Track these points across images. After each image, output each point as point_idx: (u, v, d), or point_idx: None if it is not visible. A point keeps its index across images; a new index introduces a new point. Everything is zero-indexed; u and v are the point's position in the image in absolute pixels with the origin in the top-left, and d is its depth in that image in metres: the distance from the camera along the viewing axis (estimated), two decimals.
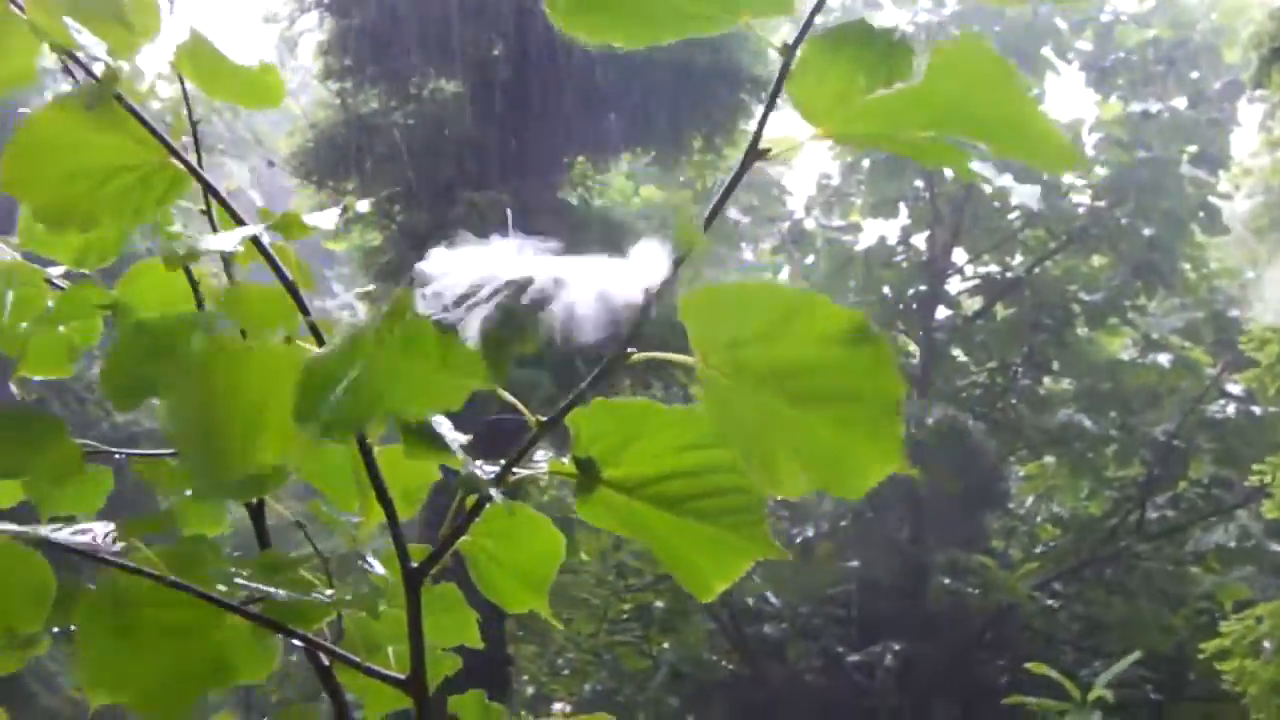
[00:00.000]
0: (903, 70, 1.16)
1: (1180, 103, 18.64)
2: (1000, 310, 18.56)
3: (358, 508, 1.72)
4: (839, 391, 1.18)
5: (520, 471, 1.35)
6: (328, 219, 1.46)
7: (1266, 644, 11.07)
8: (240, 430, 1.44)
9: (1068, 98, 47.82)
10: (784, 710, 16.58)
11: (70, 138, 1.52)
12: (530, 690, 17.54)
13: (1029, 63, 18.18)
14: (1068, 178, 18.21)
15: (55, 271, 1.78)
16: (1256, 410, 16.36)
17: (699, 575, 1.38)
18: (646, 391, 13.11)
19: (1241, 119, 18.75)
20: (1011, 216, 18.12)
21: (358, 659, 1.58)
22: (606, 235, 12.86)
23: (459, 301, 1.06)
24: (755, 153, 1.21)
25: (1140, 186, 17.42)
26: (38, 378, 1.84)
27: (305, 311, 1.47)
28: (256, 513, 1.83)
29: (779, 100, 1.21)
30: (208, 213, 1.61)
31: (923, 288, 18.37)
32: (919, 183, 17.87)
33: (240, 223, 1.53)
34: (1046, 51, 18.55)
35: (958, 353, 18.78)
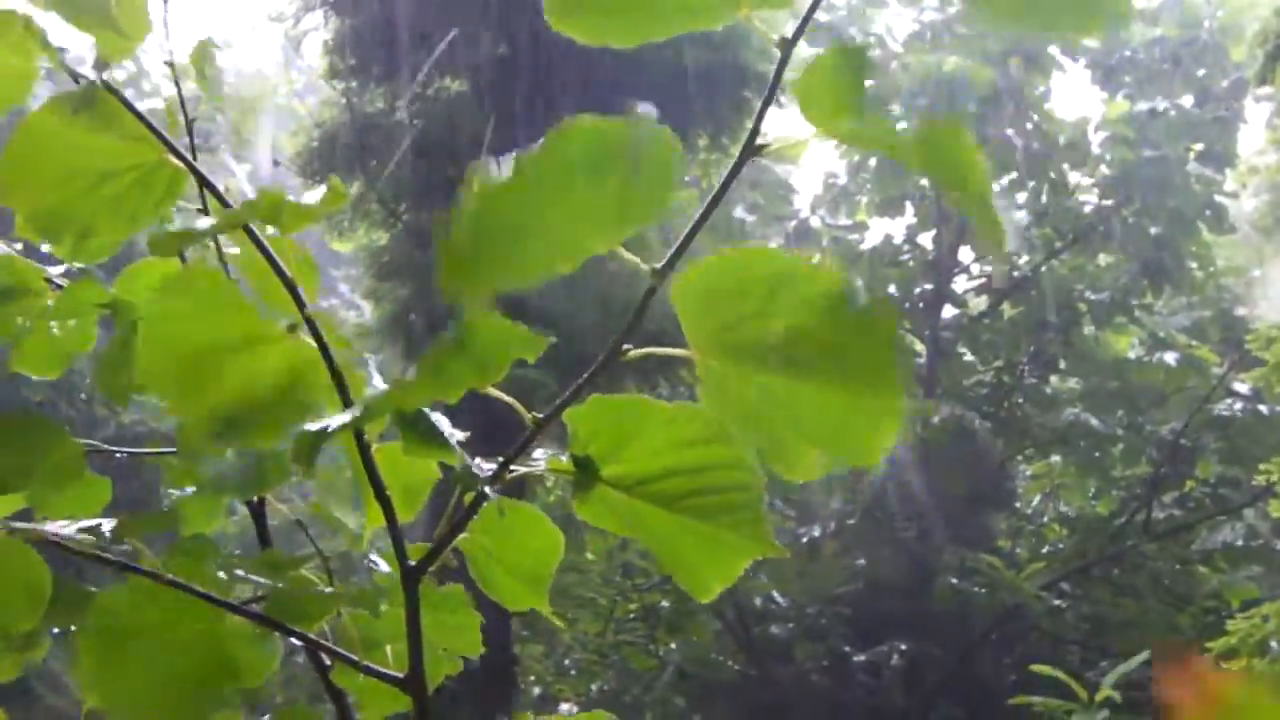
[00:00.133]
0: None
1: (1187, 101, 18.63)
2: (1007, 309, 18.55)
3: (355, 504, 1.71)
4: (835, 353, 1.17)
5: (518, 469, 1.34)
6: (313, 197, 1.44)
7: (1274, 643, 11.04)
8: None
9: (1074, 96, 47.81)
10: (791, 710, 16.57)
11: (64, 141, 1.51)
12: (537, 690, 17.53)
13: (1034, 60, 18.16)
14: (1074, 176, 18.21)
15: (54, 271, 1.78)
16: (1264, 409, 16.34)
17: (698, 575, 1.37)
18: (652, 391, 13.11)
19: (1248, 117, 18.72)
20: (1018, 215, 18.10)
21: (357, 657, 1.58)
22: None
23: None
24: (752, 149, 1.20)
25: (1146, 185, 17.41)
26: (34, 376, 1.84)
27: (300, 304, 1.46)
28: (258, 512, 1.83)
29: (782, 99, 1.20)
30: (205, 210, 1.60)
31: (929, 286, 18.36)
32: (925, 181, 17.84)
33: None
34: (1052, 50, 18.52)
35: (964, 352, 18.77)
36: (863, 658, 16.45)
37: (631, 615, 17.05)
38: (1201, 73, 18.94)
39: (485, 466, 1.35)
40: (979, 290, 18.88)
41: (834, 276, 1.16)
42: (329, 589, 1.66)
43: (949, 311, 18.69)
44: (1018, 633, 16.96)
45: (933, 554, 16.67)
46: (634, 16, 1.24)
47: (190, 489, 1.72)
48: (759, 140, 1.20)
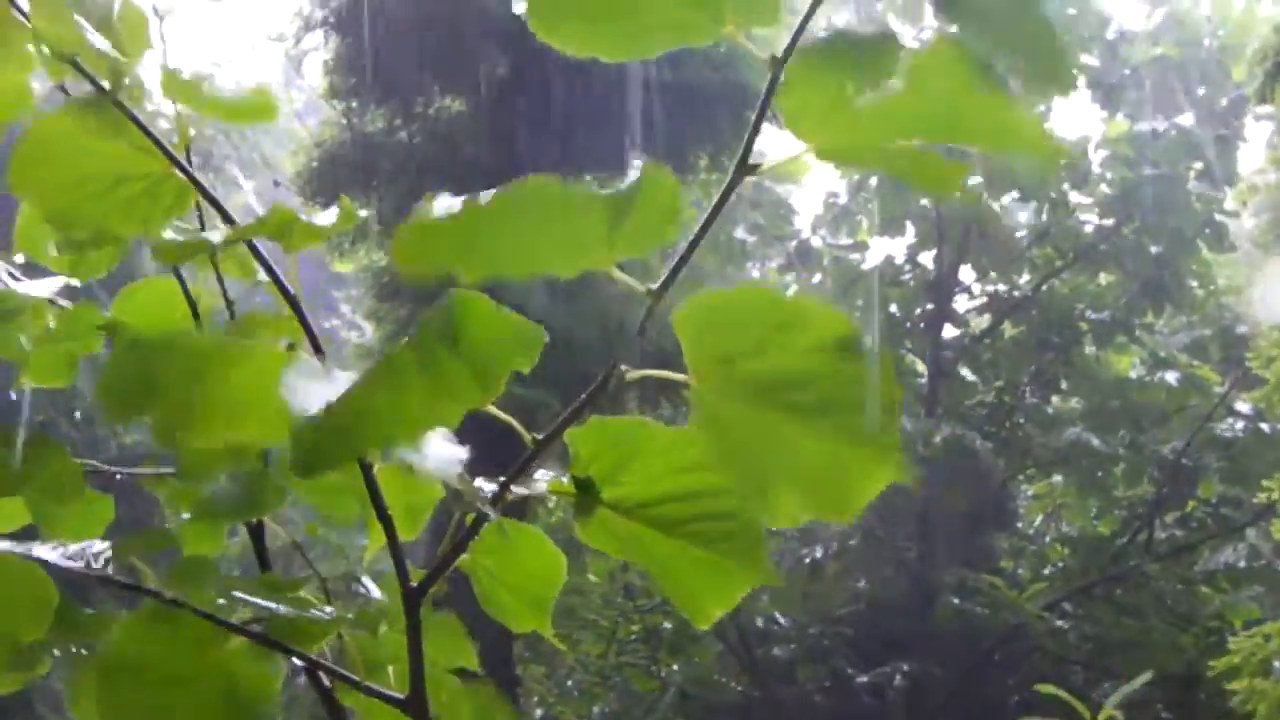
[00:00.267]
0: (890, 72, 1.14)
1: (1187, 119, 18.65)
2: (1008, 329, 18.56)
3: (359, 527, 1.71)
4: (833, 401, 1.17)
5: (519, 490, 1.33)
6: (327, 218, 1.45)
7: (1277, 663, 11.02)
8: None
9: (1074, 115, 47.92)
10: None
11: (78, 143, 1.52)
12: (539, 712, 17.51)
13: None
14: (1075, 196, 18.22)
15: (55, 287, 1.78)
16: (1265, 428, 16.34)
17: (697, 600, 1.36)
18: (655, 412, 13.11)
19: (1248, 135, 18.74)
20: (1019, 234, 18.12)
21: (358, 679, 1.57)
22: None
23: None
24: (744, 169, 1.19)
25: (1147, 204, 17.43)
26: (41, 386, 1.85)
27: (306, 324, 1.46)
28: (257, 534, 1.82)
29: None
30: (201, 226, 1.60)
31: (930, 306, 18.37)
32: (926, 201, 17.87)
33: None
34: None
35: (965, 371, 18.77)
36: (865, 679, 16.42)
37: (634, 636, 17.03)
38: (1201, 91, 18.97)
39: (486, 487, 1.34)
40: (980, 309, 18.89)
41: (837, 324, 1.15)
42: (330, 610, 1.66)
43: (950, 331, 18.70)
44: (1020, 653, 16.94)
45: (935, 574, 16.65)
46: (618, 28, 1.23)
47: (188, 514, 1.72)
48: (752, 159, 1.19)
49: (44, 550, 1.55)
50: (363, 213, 13.77)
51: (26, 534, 1.75)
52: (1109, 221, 18.06)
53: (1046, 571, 18.10)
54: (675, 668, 17.14)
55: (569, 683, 17.75)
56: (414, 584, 1.43)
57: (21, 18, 1.49)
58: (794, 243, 19.57)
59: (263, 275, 1.54)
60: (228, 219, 1.55)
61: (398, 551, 1.46)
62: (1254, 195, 14.83)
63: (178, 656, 1.52)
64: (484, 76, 13.51)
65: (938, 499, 16.52)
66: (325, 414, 1.15)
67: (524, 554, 1.62)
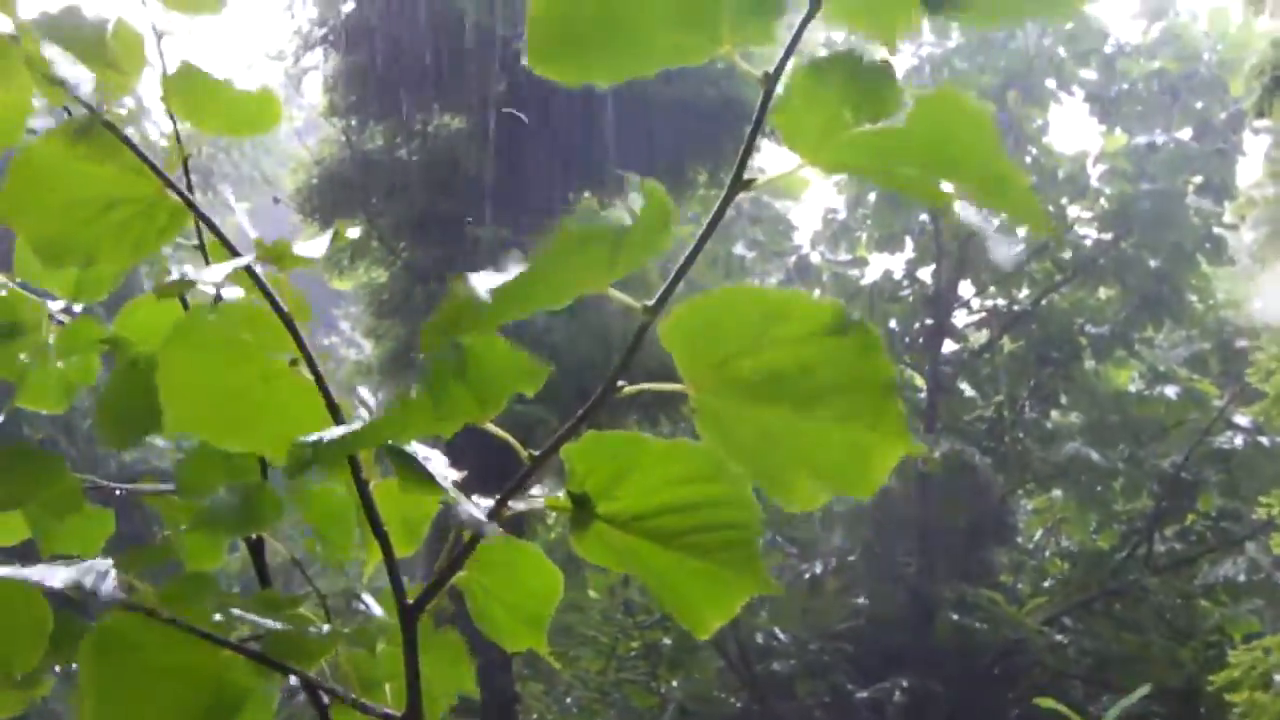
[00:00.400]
0: (888, 101, 1.15)
1: (1185, 133, 18.66)
2: (1007, 343, 18.56)
3: (357, 545, 1.71)
4: (832, 386, 1.17)
5: (515, 506, 1.34)
6: (317, 247, 1.46)
7: (1277, 677, 11.01)
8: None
9: (1072, 129, 47.91)
10: None
11: (68, 169, 1.52)
12: None
13: (1032, 94, 18.22)
14: (1073, 209, 18.24)
15: (55, 306, 1.78)
16: (1264, 441, 16.33)
17: (695, 611, 1.36)
18: (654, 427, 13.11)
19: (1246, 149, 18.75)
20: (1017, 249, 18.13)
21: (355, 696, 1.57)
22: None
23: None
24: (739, 184, 1.20)
25: (1145, 218, 17.44)
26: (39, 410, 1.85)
27: (300, 343, 1.46)
28: (257, 550, 1.82)
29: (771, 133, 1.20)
30: (201, 247, 1.60)
31: (929, 321, 18.37)
32: (924, 216, 17.89)
33: (234, 253, 1.53)
34: (1050, 83, 18.57)
35: (965, 386, 18.76)
36: (865, 694, 16.39)
37: (633, 652, 17.00)
38: (1199, 105, 18.98)
39: (482, 503, 1.35)
40: (979, 324, 18.89)
41: (821, 309, 1.16)
42: (326, 627, 1.66)
43: (949, 346, 18.70)
44: (1020, 668, 16.92)
45: (934, 589, 16.63)
46: (616, 54, 1.24)
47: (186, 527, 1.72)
48: (749, 175, 1.20)
49: (41, 572, 1.55)
50: (354, 233, 13.78)
51: (27, 548, 1.76)
52: (1108, 236, 18.07)
53: (1046, 586, 18.09)
54: (675, 684, 17.11)
55: (568, 699, 17.71)
56: (411, 601, 1.43)
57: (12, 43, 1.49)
58: (793, 259, 19.57)
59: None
60: (223, 240, 1.55)
61: (394, 568, 1.46)
62: (1253, 208, 14.85)
63: (173, 654, 1.53)
64: (482, 94, 13.52)
65: (937, 514, 16.52)
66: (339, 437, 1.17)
67: (520, 571, 1.62)
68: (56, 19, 1.55)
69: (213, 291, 1.59)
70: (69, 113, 1.54)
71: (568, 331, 12.18)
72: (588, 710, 17.46)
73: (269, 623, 1.54)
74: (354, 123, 14.32)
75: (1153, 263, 17.63)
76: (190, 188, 1.58)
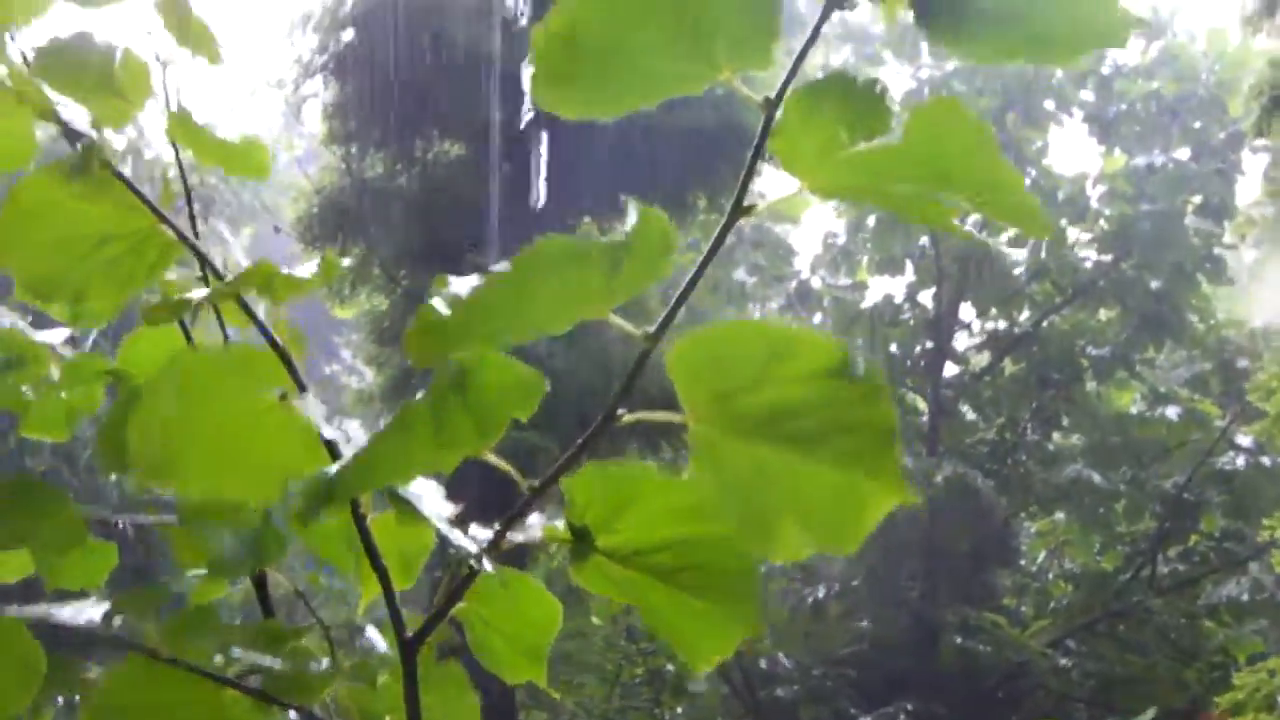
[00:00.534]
0: (883, 119, 1.15)
1: (1184, 154, 18.70)
2: (1008, 366, 18.57)
3: (353, 575, 1.70)
4: (833, 428, 1.16)
5: (514, 537, 1.33)
6: (306, 271, 1.45)
7: None
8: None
9: (1071, 151, 48.02)
10: None
11: (58, 206, 1.51)
12: None
13: (1031, 116, 18.26)
14: (1073, 232, 18.26)
15: (58, 337, 1.78)
16: (1266, 461, 16.33)
17: (693, 646, 1.35)
18: (655, 455, 13.10)
19: (1245, 169, 18.78)
20: (1017, 272, 18.15)
21: None
22: None
23: None
24: (739, 209, 1.19)
25: (1145, 238, 17.47)
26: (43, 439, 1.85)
27: (294, 373, 1.46)
28: (260, 582, 1.82)
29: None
30: (204, 279, 1.60)
31: (930, 344, 18.38)
32: (924, 240, 17.91)
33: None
34: (1049, 104, 18.62)
35: (966, 409, 18.77)
36: (869, 719, 16.36)
37: (637, 679, 16.97)
38: (1198, 125, 19.02)
39: (481, 534, 1.34)
40: (980, 347, 18.91)
41: (828, 349, 1.15)
42: (328, 660, 1.65)
43: (950, 369, 18.71)
44: (1024, 691, 16.89)
45: (937, 613, 16.62)
46: (619, 86, 1.23)
47: (194, 572, 1.72)
48: (749, 200, 1.20)
49: (38, 611, 1.55)
50: (346, 261, 13.80)
51: (25, 584, 1.75)
52: (1108, 257, 18.09)
53: (1050, 608, 18.07)
54: (679, 710, 17.08)
55: None
56: (411, 633, 1.43)
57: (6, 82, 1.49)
58: (794, 283, 19.60)
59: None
60: (215, 272, 1.55)
61: (393, 600, 1.45)
62: (1252, 228, 14.87)
63: (173, 699, 1.52)
64: (483, 121, 13.53)
65: (940, 538, 16.50)
66: (341, 467, 1.16)
67: (520, 602, 1.61)
68: (66, 44, 1.55)
69: (213, 323, 1.59)
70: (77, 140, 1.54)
71: (568, 359, 12.18)
72: None
73: (269, 661, 1.54)
74: (354, 150, 14.33)
75: (1153, 283, 17.65)
76: (194, 218, 1.57)
